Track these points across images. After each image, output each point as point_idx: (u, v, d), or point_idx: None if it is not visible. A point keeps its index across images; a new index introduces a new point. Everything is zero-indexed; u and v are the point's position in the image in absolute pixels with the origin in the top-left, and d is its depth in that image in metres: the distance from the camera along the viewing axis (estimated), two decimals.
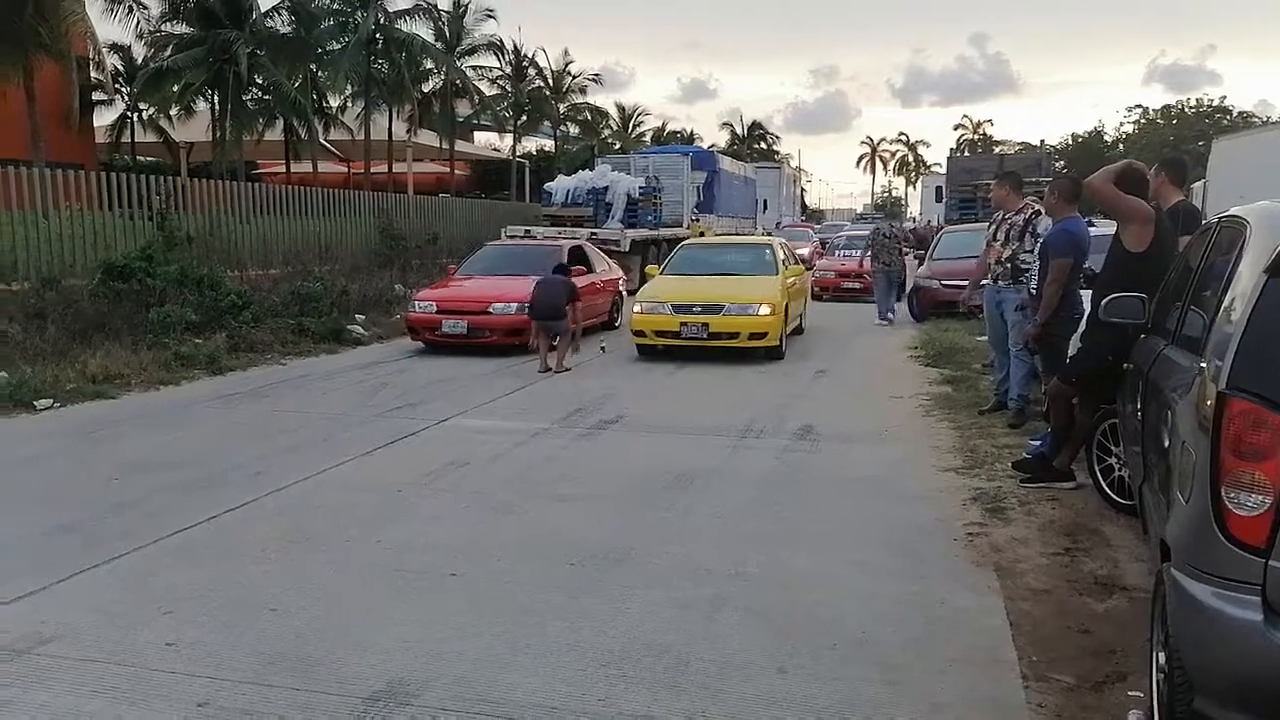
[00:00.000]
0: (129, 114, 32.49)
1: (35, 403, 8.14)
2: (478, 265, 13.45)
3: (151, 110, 31.72)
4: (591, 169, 21.99)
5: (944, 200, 24.90)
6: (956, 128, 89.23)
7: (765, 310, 10.60)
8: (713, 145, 55.37)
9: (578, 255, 13.28)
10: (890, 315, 14.95)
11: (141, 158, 34.69)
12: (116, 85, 31.53)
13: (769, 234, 30.93)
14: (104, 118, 32.21)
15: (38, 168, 13.52)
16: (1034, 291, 6.78)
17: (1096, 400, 5.36)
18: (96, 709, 3.14)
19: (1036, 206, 7.54)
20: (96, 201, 13.20)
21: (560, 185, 20.71)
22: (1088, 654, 3.50)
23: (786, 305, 11.14)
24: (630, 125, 54.81)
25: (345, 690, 3.24)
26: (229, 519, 5.19)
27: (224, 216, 15.03)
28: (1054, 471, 5.68)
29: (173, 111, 30.23)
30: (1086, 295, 5.83)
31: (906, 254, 16.52)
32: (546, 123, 43.95)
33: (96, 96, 29.20)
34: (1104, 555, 4.56)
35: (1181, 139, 47.55)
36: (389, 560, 4.55)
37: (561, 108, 44.47)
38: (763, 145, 69.77)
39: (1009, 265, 7.55)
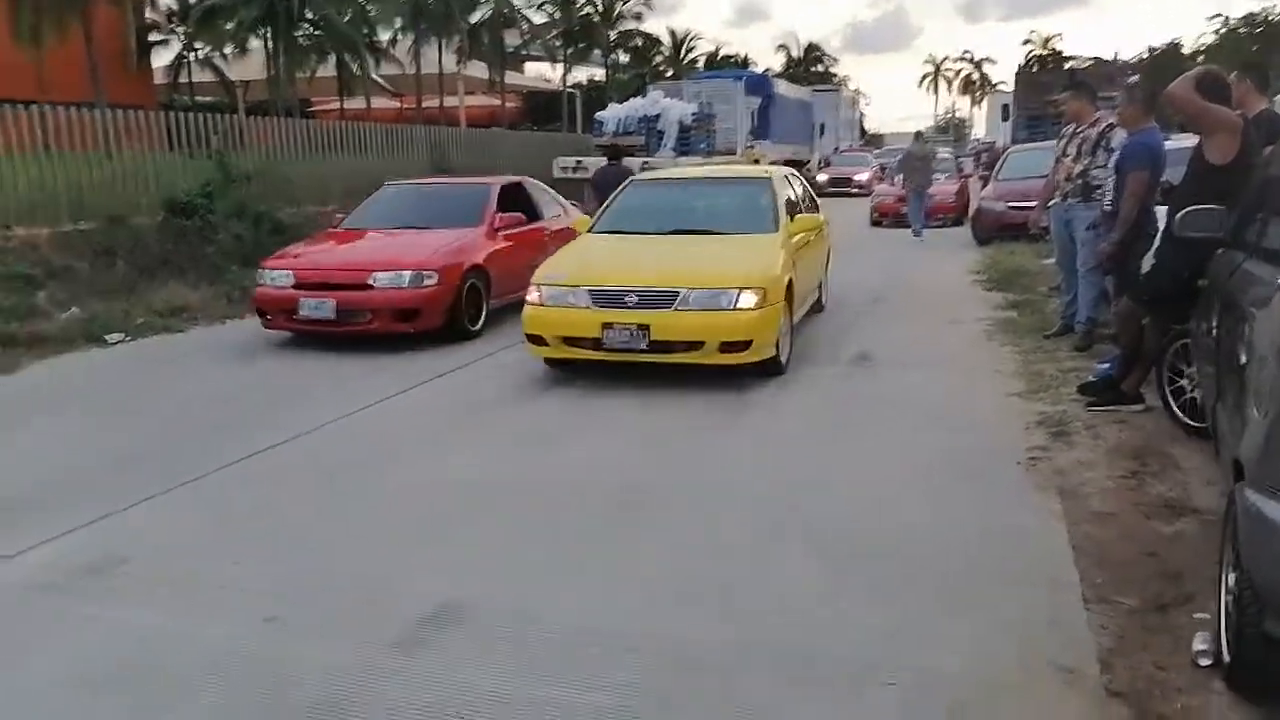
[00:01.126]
0: (185, 54, 32.81)
1: (106, 337, 8.42)
2: (371, 215, 9.41)
3: (207, 49, 31.97)
4: (643, 97, 21.62)
5: (1010, 118, 23.95)
6: (1024, 43, 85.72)
7: (749, 300, 6.10)
8: (767, 69, 53.92)
9: (512, 195, 9.69)
10: (919, 235, 15.64)
11: (200, 98, 35.08)
12: (171, 24, 31.80)
13: (827, 160, 30.03)
14: (161, 59, 32.63)
15: (100, 109, 13.73)
16: (1108, 208, 6.49)
17: (1168, 320, 5.15)
18: (173, 625, 3.28)
19: (1111, 119, 7.16)
20: (158, 142, 13.39)
21: (611, 114, 20.44)
22: (1153, 577, 3.41)
23: (791, 283, 6.71)
24: (682, 51, 53.62)
25: (404, 610, 3.32)
26: (294, 445, 5.32)
27: (280, 154, 15.15)
28: (1122, 394, 5.50)
29: (227, 50, 30.43)
30: (1161, 211, 5.56)
31: (969, 176, 16.26)
32: (597, 51, 43.23)
33: (153, 37, 29.51)
34: (1173, 478, 4.42)
35: (1267, 48, 44.78)
36: (444, 489, 4.61)
37: (612, 35, 43.66)
38: (820, 68, 67.75)
39: (1080, 181, 7.21)
